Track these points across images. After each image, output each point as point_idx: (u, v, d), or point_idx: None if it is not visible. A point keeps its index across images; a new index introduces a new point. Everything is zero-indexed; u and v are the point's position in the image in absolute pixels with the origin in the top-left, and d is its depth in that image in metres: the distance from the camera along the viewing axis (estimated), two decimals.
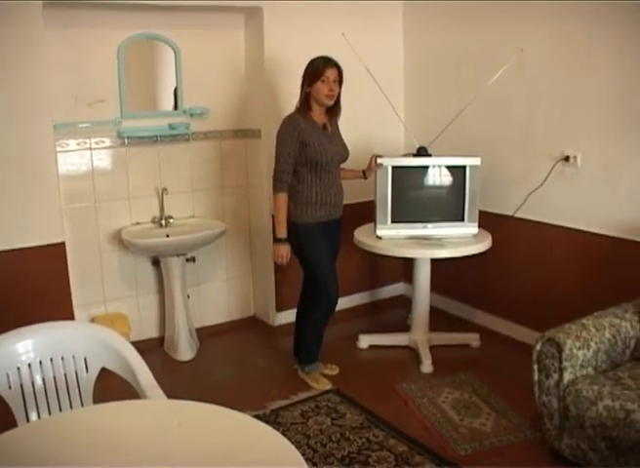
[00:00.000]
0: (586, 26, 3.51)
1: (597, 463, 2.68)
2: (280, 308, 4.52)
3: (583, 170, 3.65)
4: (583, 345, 2.78)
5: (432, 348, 3.99)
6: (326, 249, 3.60)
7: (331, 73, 3.43)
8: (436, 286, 4.26)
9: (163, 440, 1.77)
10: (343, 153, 3.65)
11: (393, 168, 3.81)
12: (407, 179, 3.87)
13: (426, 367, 3.83)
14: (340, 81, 3.49)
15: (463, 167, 3.83)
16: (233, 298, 4.64)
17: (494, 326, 4.30)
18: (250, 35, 4.29)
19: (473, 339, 4.18)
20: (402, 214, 3.87)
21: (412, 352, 4.05)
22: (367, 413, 3.35)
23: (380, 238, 3.87)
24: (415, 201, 3.91)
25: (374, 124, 4.64)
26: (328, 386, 3.67)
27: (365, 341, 4.20)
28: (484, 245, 3.82)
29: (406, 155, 4.10)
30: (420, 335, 4.06)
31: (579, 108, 3.62)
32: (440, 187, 3.91)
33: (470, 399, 3.47)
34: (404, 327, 4.30)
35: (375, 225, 3.90)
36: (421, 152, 3.92)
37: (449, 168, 3.83)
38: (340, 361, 3.93)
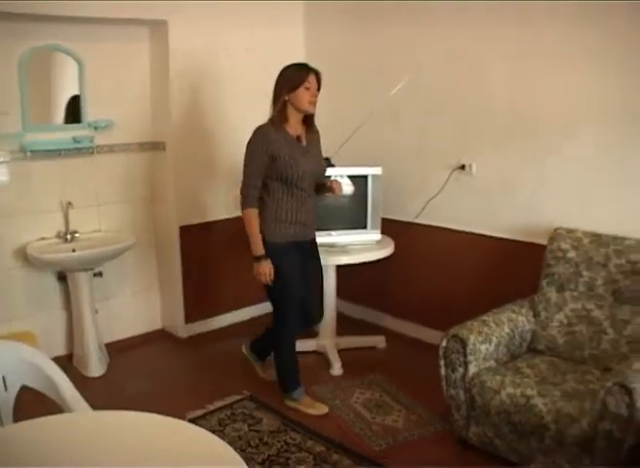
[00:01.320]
0: (478, 42, 3.76)
1: (502, 447, 2.88)
2: (189, 320, 4.54)
3: (479, 177, 3.89)
4: (485, 340, 2.99)
5: (341, 352, 4.12)
6: (296, 271, 3.40)
7: (313, 79, 3.28)
8: (342, 292, 4.42)
9: (103, 449, 1.80)
10: (318, 168, 3.45)
11: None
12: None
13: (336, 370, 3.96)
14: (319, 88, 3.34)
15: (365, 176, 4.01)
16: (142, 312, 4.61)
17: (399, 328, 4.48)
18: (155, 48, 4.29)
19: (379, 342, 4.34)
20: None
21: (321, 357, 4.17)
22: (283, 418, 3.43)
23: None
24: (319, 210, 4.02)
25: None
26: (325, 409, 3.50)
27: None
28: (387, 250, 4.01)
29: None
30: (328, 340, 4.19)
31: (473, 119, 3.86)
32: (344, 196, 4.05)
33: (381, 398, 3.62)
34: (311, 333, 4.41)
35: None
36: (327, 163, 4.07)
37: (352, 177, 3.97)
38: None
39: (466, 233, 3.97)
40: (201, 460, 1.75)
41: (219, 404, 3.60)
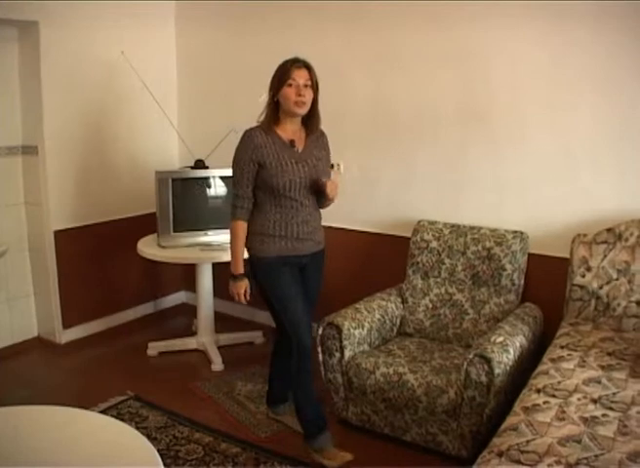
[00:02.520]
0: (341, 48, 4.02)
1: (380, 423, 3.13)
2: (67, 325, 4.50)
3: (346, 175, 4.12)
4: (359, 325, 3.23)
5: (221, 348, 4.26)
6: (291, 286, 3.04)
7: (299, 75, 2.90)
8: (220, 291, 4.54)
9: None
10: (314, 176, 3.01)
11: (173, 180, 4.03)
12: (186, 191, 4.12)
13: (217, 365, 4.09)
14: (313, 85, 2.94)
15: None
16: (16, 320, 4.51)
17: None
18: (25, 49, 4.16)
19: (257, 337, 4.51)
20: (183, 224, 4.11)
21: (201, 354, 4.28)
22: (169, 414, 3.51)
23: (163, 247, 4.06)
24: (195, 210, 4.15)
25: (151, 140, 4.79)
26: (348, 457, 3.00)
27: (154, 349, 4.32)
28: None
29: (184, 168, 4.34)
30: (207, 337, 4.31)
31: (339, 121, 4.08)
32: (218, 197, 4.20)
33: (263, 389, 3.75)
34: (190, 332, 4.52)
35: (158, 235, 4.10)
36: (199, 165, 4.20)
37: (225, 178, 4.11)
38: (133, 369, 4.06)
39: (339, 229, 4.19)
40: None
41: (103, 405, 3.61)
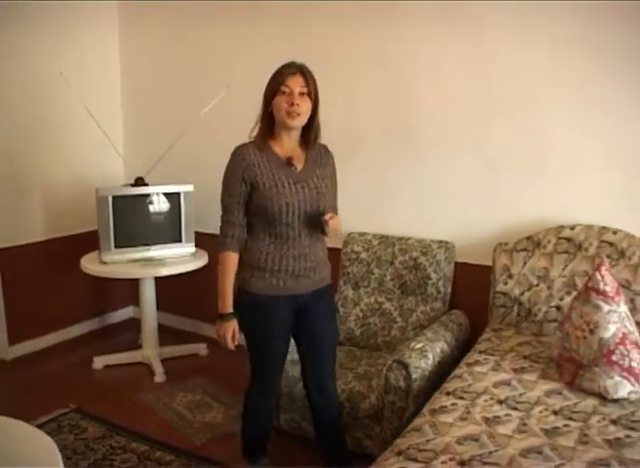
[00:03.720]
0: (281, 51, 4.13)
1: (309, 429, 3.22)
2: (13, 342, 4.53)
3: None
4: None
5: (165, 361, 4.34)
6: (277, 333, 2.71)
7: (293, 81, 2.53)
8: (164, 305, 4.65)
9: None
10: (316, 201, 2.62)
11: (113, 197, 4.11)
12: (127, 208, 4.18)
13: (159, 377, 4.17)
14: (310, 93, 2.56)
15: (178, 193, 4.25)
16: None
17: None
18: None
19: (201, 349, 4.59)
20: (125, 240, 4.17)
21: (145, 367, 4.34)
22: (108, 425, 3.58)
23: (105, 263, 4.13)
24: (136, 227, 4.22)
25: (92, 159, 4.85)
26: None
27: (99, 362, 4.38)
28: (200, 262, 4.28)
29: (125, 185, 4.42)
30: (151, 350, 4.38)
31: None
32: (159, 213, 4.28)
33: (202, 399, 3.87)
34: (136, 346, 4.59)
35: (99, 251, 4.17)
36: (139, 182, 4.28)
37: (166, 195, 4.21)
38: (78, 383, 4.12)
39: None
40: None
41: (44, 418, 3.65)
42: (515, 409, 2.49)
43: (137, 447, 3.35)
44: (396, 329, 3.56)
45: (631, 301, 3.19)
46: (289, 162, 2.62)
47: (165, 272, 4.15)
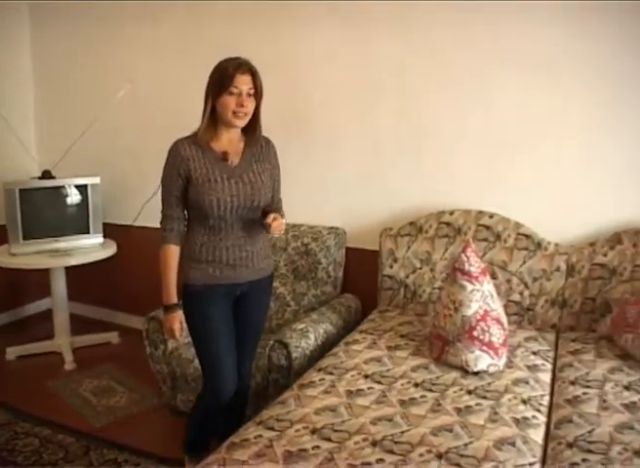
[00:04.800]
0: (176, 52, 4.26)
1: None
2: None
3: None
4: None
5: (78, 349, 4.45)
6: (217, 321, 2.68)
7: (243, 81, 2.51)
8: (77, 296, 4.77)
9: None
10: (250, 196, 2.62)
11: (20, 190, 4.18)
12: (35, 200, 4.26)
13: (69, 365, 4.28)
14: (256, 93, 2.58)
15: (85, 185, 4.34)
16: None
17: (132, 323, 4.83)
18: None
19: (113, 337, 4.71)
20: (33, 232, 4.26)
21: (58, 356, 4.42)
22: (15, 412, 3.67)
23: (13, 255, 4.21)
24: (44, 219, 4.30)
25: (1, 154, 4.87)
26: None
27: (12, 353, 4.45)
28: (108, 252, 4.39)
29: (33, 179, 4.50)
30: (62, 340, 4.47)
31: (182, 127, 4.31)
32: (67, 205, 4.37)
33: (108, 384, 4.00)
34: (51, 336, 4.68)
35: (9, 244, 4.25)
36: (46, 175, 4.37)
37: (73, 187, 4.31)
38: None
39: None
40: None
41: None
42: (379, 382, 2.68)
43: (39, 431, 3.46)
44: (289, 312, 3.73)
45: (507, 282, 3.42)
46: (224, 157, 2.61)
47: (73, 262, 4.25)
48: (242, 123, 2.59)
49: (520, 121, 3.43)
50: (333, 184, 3.91)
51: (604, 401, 2.53)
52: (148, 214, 4.48)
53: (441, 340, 2.92)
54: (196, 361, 3.23)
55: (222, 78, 2.51)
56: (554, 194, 3.44)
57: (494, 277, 3.36)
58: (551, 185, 3.44)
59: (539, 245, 3.39)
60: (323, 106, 3.87)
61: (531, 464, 2.13)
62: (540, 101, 3.37)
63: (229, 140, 2.65)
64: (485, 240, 3.46)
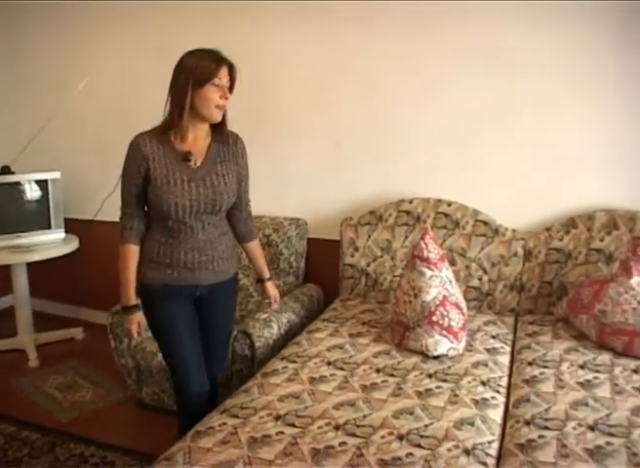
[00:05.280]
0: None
1: (168, 401, 3.39)
2: None
3: None
4: None
5: (41, 346, 4.43)
6: (177, 320, 2.59)
7: (224, 73, 2.42)
8: (40, 292, 4.74)
9: None
10: (212, 201, 2.50)
11: None
12: None
13: (33, 362, 4.25)
14: (231, 87, 2.49)
15: (46, 181, 4.31)
16: None
17: (96, 318, 4.82)
18: None
19: (77, 333, 4.69)
20: None
21: (21, 353, 4.39)
22: None
23: None
24: (4, 215, 4.25)
25: None
26: None
27: None
28: (70, 247, 4.35)
29: None
30: (25, 336, 4.44)
31: (140, 120, 4.29)
32: (27, 201, 4.34)
33: (73, 380, 3.99)
34: (15, 333, 4.65)
35: None
36: (5, 170, 4.34)
37: (33, 182, 4.28)
38: None
39: None
40: None
41: None
42: (341, 369, 2.73)
43: (4, 428, 3.44)
44: (253, 303, 3.76)
45: (466, 268, 3.49)
46: (186, 157, 2.47)
47: (35, 257, 4.22)
48: (219, 117, 2.48)
49: (477, 111, 3.50)
50: (294, 176, 3.95)
51: (560, 380, 2.61)
52: (110, 208, 4.48)
53: (402, 326, 2.97)
54: (159, 355, 3.27)
55: (205, 69, 2.37)
56: (511, 181, 3.52)
57: (453, 263, 3.43)
58: (508, 173, 3.51)
59: (496, 231, 3.46)
60: (285, 101, 3.90)
61: (489, 442, 2.19)
62: (496, 92, 3.44)
63: (195, 138, 2.50)
64: (444, 227, 3.53)
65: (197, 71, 2.36)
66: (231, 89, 2.48)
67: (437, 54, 3.51)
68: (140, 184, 2.49)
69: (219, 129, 2.55)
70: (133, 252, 2.54)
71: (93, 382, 3.96)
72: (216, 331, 2.75)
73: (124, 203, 2.57)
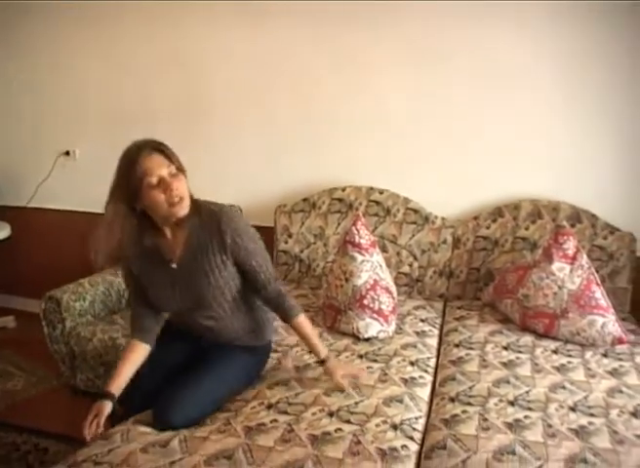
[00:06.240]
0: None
1: (102, 386, 3.37)
2: None
3: (81, 161, 4.35)
4: (79, 298, 3.46)
5: None
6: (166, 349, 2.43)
7: (156, 164, 2.08)
8: None
9: None
10: (197, 302, 2.29)
11: None
12: None
13: None
14: (180, 170, 2.15)
15: None
16: None
17: (28, 307, 4.76)
18: None
19: (9, 321, 4.64)
20: None
21: None
22: None
23: None
24: None
25: None
26: None
27: None
28: (1, 234, 4.30)
29: None
30: None
31: (75, 110, 4.30)
32: None
33: (5, 369, 3.94)
34: None
35: None
36: None
37: None
38: None
39: (76, 212, 4.42)
40: None
41: None
42: (275, 351, 2.78)
43: None
44: None
45: (397, 254, 3.58)
46: (168, 259, 2.26)
47: None
48: (184, 209, 2.14)
49: (407, 101, 3.61)
50: (230, 164, 4.00)
51: (484, 360, 2.73)
52: (44, 194, 4.47)
53: (334, 310, 3.05)
54: (95, 339, 3.30)
55: (131, 174, 2.07)
56: (441, 171, 3.64)
57: (384, 250, 3.52)
58: (438, 163, 3.63)
59: (426, 219, 3.57)
60: (220, 94, 3.97)
61: (416, 418, 2.28)
62: (427, 82, 3.56)
63: (173, 233, 2.24)
64: (376, 215, 3.61)
65: (126, 181, 2.09)
66: (182, 172, 2.16)
67: (369, 45, 3.59)
68: (136, 284, 2.33)
69: (192, 216, 2.20)
70: (134, 347, 2.33)
71: (25, 370, 3.93)
72: (203, 369, 2.35)
73: (131, 302, 2.46)
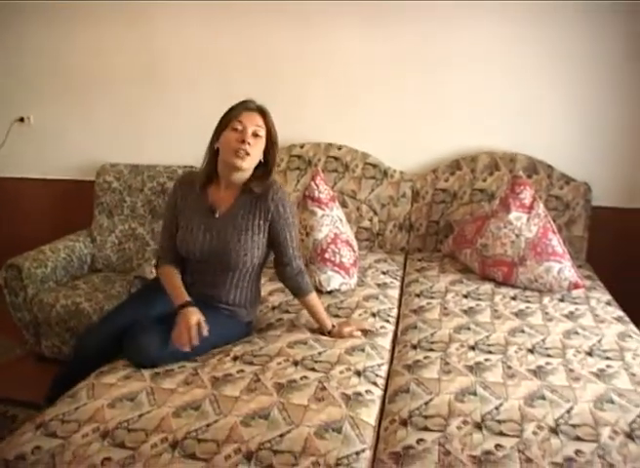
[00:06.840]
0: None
1: (68, 351, 3.39)
2: None
3: (37, 128, 4.28)
4: (41, 265, 3.46)
5: None
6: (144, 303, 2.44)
7: (249, 119, 2.29)
8: None
9: None
10: (219, 256, 2.37)
11: None
12: None
13: None
14: (271, 136, 2.36)
15: None
16: None
17: None
18: None
19: None
20: None
21: None
22: None
23: None
24: None
25: None
26: None
27: None
28: None
29: None
30: None
31: (31, 77, 4.22)
32: None
33: None
34: None
35: None
36: None
37: None
38: None
39: (32, 179, 4.34)
40: None
41: None
42: None
43: None
44: (149, 251, 3.78)
45: (357, 209, 3.61)
46: (211, 209, 2.39)
47: None
48: (244, 164, 2.27)
49: (364, 58, 3.63)
50: (187, 125, 3.95)
51: (445, 308, 2.78)
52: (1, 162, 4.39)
53: None
54: (58, 305, 3.30)
55: (226, 115, 2.33)
56: (398, 125, 3.67)
57: (344, 205, 3.55)
58: (395, 117, 3.66)
59: (385, 173, 3.60)
60: (177, 56, 3.92)
61: (379, 365, 2.33)
62: (383, 37, 3.57)
63: (227, 187, 2.40)
64: (335, 171, 3.63)
65: (223, 118, 2.33)
66: (270, 138, 2.35)
67: (330, 7, 3.59)
68: (172, 222, 2.47)
69: (257, 181, 2.36)
70: (168, 270, 2.45)
71: None
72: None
73: (160, 236, 2.57)
